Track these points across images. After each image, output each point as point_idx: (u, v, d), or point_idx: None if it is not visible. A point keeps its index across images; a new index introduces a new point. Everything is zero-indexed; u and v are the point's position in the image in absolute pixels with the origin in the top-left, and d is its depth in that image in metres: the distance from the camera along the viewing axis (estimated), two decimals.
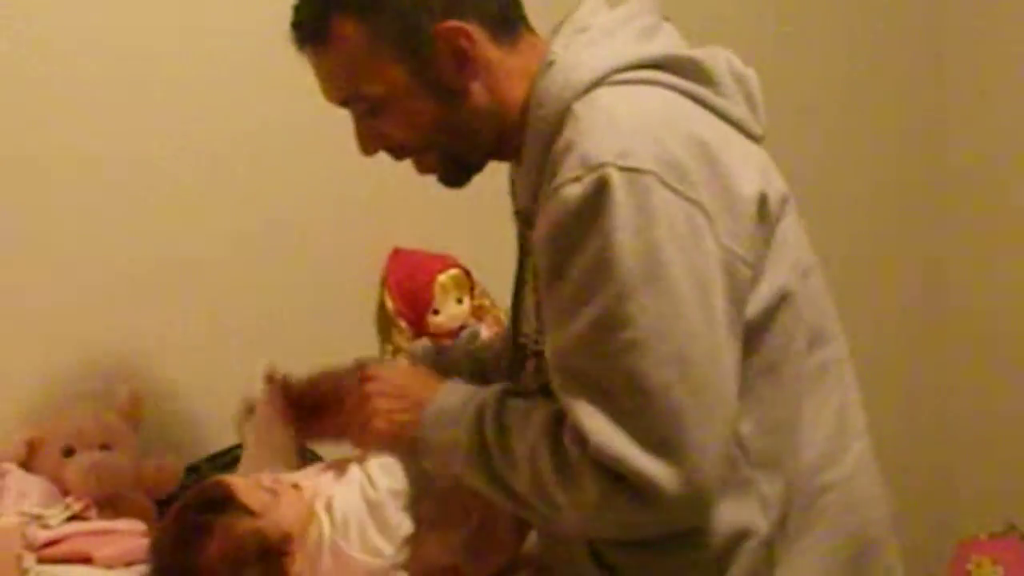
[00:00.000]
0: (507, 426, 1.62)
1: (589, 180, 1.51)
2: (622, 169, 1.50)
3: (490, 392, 1.67)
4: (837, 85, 3.28)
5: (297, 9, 1.72)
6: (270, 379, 1.99)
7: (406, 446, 1.73)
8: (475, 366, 2.03)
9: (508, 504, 1.64)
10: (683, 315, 1.50)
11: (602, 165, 1.51)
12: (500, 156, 1.77)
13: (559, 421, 1.56)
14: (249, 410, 2.00)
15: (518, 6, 1.74)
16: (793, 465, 1.62)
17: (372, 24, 1.66)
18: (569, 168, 1.54)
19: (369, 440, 1.76)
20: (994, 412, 3.38)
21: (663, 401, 1.48)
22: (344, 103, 1.72)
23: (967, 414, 3.44)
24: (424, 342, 2.51)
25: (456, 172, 1.77)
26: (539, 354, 1.69)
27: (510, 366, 1.81)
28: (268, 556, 1.71)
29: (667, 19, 1.75)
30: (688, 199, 1.53)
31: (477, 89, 1.68)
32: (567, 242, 1.53)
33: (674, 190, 1.52)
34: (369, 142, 1.75)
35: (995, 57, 3.31)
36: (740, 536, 1.59)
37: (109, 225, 2.38)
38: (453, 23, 1.65)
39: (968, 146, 3.38)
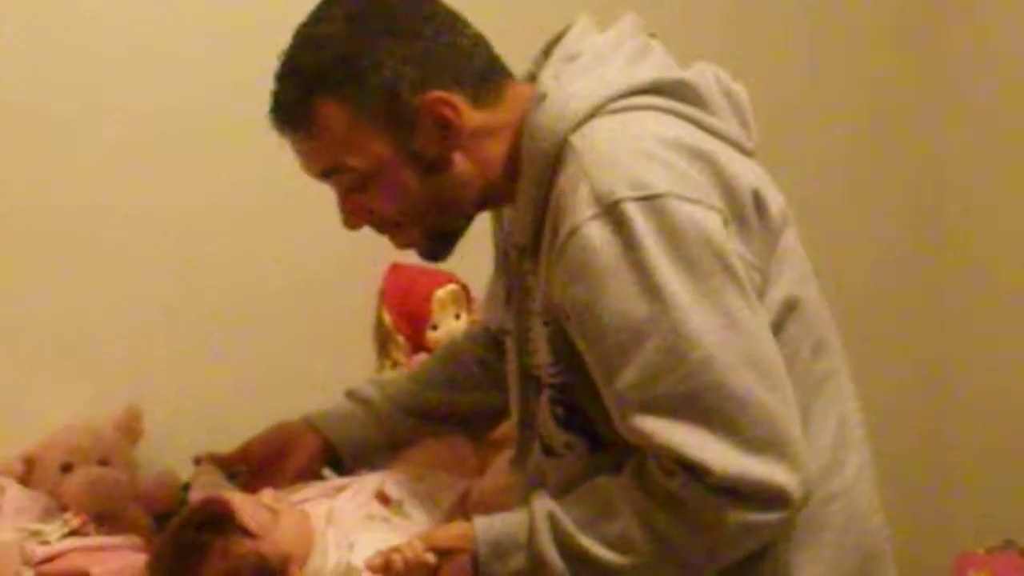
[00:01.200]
0: (578, 541, 1.56)
1: (608, 217, 1.51)
2: (638, 199, 1.51)
3: (539, 532, 1.59)
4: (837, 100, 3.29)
5: (276, 95, 1.68)
6: (196, 462, 1.98)
7: None
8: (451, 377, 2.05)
9: None
10: (738, 317, 1.52)
11: (618, 201, 1.51)
12: (488, 206, 1.76)
13: (640, 476, 1.55)
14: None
15: (497, 61, 1.72)
16: None
17: (354, 102, 1.63)
18: (583, 207, 1.53)
19: None
20: (993, 427, 3.38)
21: (752, 403, 1.50)
22: (325, 176, 1.70)
23: (966, 428, 3.44)
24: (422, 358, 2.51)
25: (439, 244, 1.76)
26: (555, 386, 1.68)
27: (520, 396, 1.78)
28: None
29: (654, 35, 1.75)
30: (708, 206, 1.54)
31: (460, 158, 1.67)
32: (599, 281, 1.52)
33: (693, 201, 1.53)
34: (354, 216, 1.72)
35: (993, 79, 3.33)
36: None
37: (113, 237, 2.39)
38: (436, 94, 1.63)
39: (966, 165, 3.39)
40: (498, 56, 1.72)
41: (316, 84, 1.64)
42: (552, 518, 1.59)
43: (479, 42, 1.70)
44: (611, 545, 1.55)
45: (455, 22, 1.69)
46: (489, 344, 2.05)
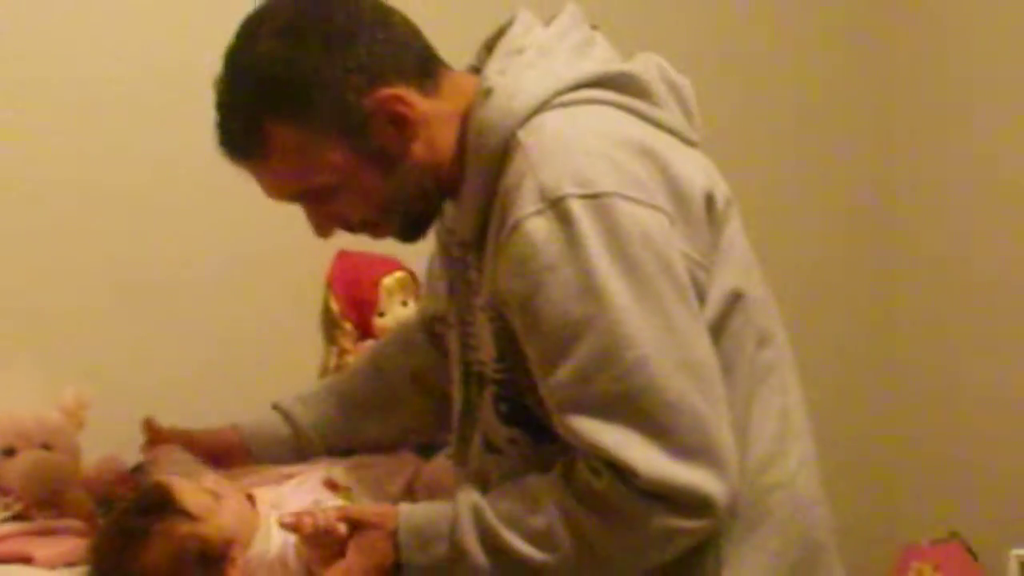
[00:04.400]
0: (501, 534, 1.56)
1: (552, 213, 1.52)
2: (583, 197, 1.51)
3: (461, 524, 1.59)
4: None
5: (222, 126, 1.64)
6: (155, 432, 1.98)
7: None
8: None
9: None
10: (676, 321, 1.52)
11: (562, 197, 1.51)
12: (445, 193, 1.74)
13: (568, 474, 1.55)
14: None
15: (430, 48, 1.70)
16: (741, 465, 1.61)
17: (305, 120, 1.60)
18: (528, 201, 1.53)
19: None
20: (937, 419, 3.40)
21: (685, 408, 1.50)
22: (294, 200, 1.68)
23: (911, 420, 3.46)
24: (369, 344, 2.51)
25: (414, 228, 1.74)
26: (499, 382, 1.67)
27: (463, 392, 1.77)
28: (209, 561, 1.70)
29: (595, 27, 1.74)
30: (652, 207, 1.54)
31: (417, 147, 1.65)
32: (539, 277, 1.52)
33: (637, 202, 1.53)
34: (324, 225, 1.71)
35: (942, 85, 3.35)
36: None
37: (60, 216, 2.38)
38: (384, 92, 1.61)
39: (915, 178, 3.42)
40: (430, 43, 1.70)
41: (263, 110, 1.61)
42: (476, 510, 1.58)
43: (412, 30, 1.69)
44: (533, 541, 1.56)
45: (385, 14, 1.67)
46: (424, 345, 2.03)
